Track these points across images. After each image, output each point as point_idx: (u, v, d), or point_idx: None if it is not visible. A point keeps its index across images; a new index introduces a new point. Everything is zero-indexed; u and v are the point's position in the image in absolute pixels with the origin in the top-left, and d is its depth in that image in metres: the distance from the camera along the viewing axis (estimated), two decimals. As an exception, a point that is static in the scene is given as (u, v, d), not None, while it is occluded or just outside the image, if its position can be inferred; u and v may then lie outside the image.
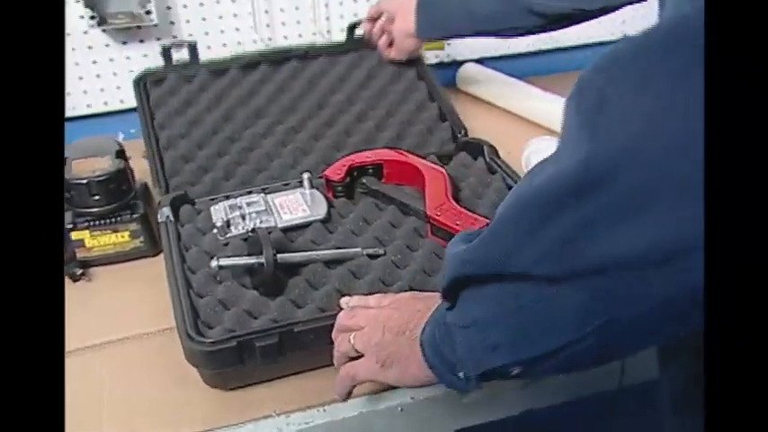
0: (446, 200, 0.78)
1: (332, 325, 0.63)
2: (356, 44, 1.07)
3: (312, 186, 0.84)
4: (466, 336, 0.45)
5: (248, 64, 1.02)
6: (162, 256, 0.85)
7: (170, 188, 0.88)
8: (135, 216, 0.84)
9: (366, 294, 0.67)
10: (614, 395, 0.69)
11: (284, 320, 0.66)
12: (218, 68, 1.02)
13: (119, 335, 0.74)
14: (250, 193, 0.86)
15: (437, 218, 0.75)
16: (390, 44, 1.04)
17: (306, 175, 0.84)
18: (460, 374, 0.47)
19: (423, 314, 0.52)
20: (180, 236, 0.79)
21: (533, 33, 0.94)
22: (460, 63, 1.28)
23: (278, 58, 1.04)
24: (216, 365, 0.64)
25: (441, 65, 1.30)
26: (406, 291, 0.68)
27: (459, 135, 0.96)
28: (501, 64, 1.29)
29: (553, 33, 1.26)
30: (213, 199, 0.85)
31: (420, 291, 0.68)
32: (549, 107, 1.14)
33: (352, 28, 1.07)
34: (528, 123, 1.17)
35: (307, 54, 1.05)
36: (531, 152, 0.96)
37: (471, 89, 1.26)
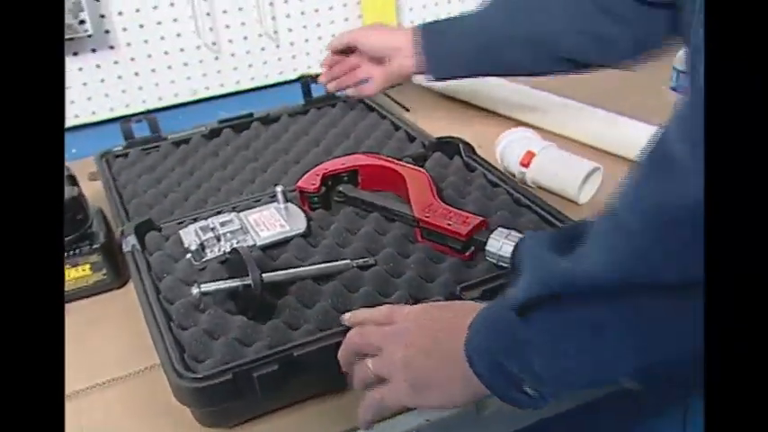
0: (433, 200, 0.74)
1: (335, 344, 0.59)
2: (315, 103, 1.08)
3: (286, 200, 0.79)
4: (548, 350, 0.42)
5: (211, 132, 1.02)
6: (129, 287, 0.79)
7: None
8: (95, 246, 0.77)
9: (364, 307, 0.63)
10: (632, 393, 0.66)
11: (281, 345, 0.61)
12: (181, 139, 1.01)
13: (96, 380, 0.67)
14: (219, 213, 0.80)
15: (427, 220, 0.72)
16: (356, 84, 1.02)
17: (279, 188, 0.78)
18: (528, 390, 0.44)
19: (455, 325, 0.48)
20: (150, 265, 0.73)
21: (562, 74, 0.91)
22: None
23: (239, 124, 1.04)
24: (211, 402, 0.58)
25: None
26: (407, 300, 0.65)
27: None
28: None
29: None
30: (181, 222, 0.79)
31: (420, 299, 0.64)
32: (508, 95, 1.12)
33: (306, 86, 1.07)
34: (488, 113, 1.14)
35: (268, 116, 1.06)
36: (506, 145, 0.94)
37: (424, 81, 1.23)
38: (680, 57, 0.95)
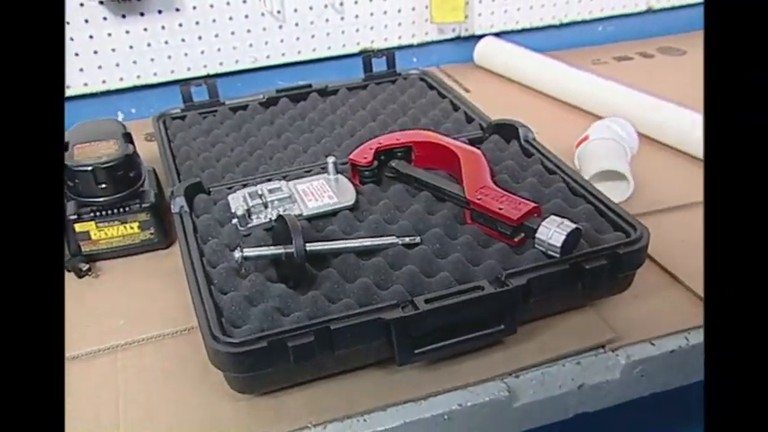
0: (486, 182, 0.71)
1: (374, 321, 0.57)
2: (374, 78, 1.07)
3: (337, 172, 0.77)
4: None
5: (268, 100, 1.02)
6: (174, 248, 0.80)
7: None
8: (145, 205, 0.77)
9: (406, 286, 0.62)
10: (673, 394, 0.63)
11: (318, 317, 0.60)
12: (238, 105, 1.01)
13: (134, 336, 0.67)
14: (269, 180, 0.79)
15: (478, 202, 0.69)
16: None
17: (330, 160, 0.77)
18: None
19: None
20: (196, 227, 0.72)
21: None
22: (479, 37, 1.21)
23: (296, 94, 1.03)
24: (244, 368, 0.58)
25: (458, 39, 1.23)
26: (451, 283, 0.63)
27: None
28: (521, 38, 1.23)
29: (573, 4, 1.20)
30: (230, 187, 0.79)
31: (464, 282, 0.62)
32: (574, 83, 1.08)
33: (367, 60, 1.05)
34: (552, 100, 1.11)
35: (326, 88, 1.05)
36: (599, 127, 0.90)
37: (491, 65, 1.20)
38: None
